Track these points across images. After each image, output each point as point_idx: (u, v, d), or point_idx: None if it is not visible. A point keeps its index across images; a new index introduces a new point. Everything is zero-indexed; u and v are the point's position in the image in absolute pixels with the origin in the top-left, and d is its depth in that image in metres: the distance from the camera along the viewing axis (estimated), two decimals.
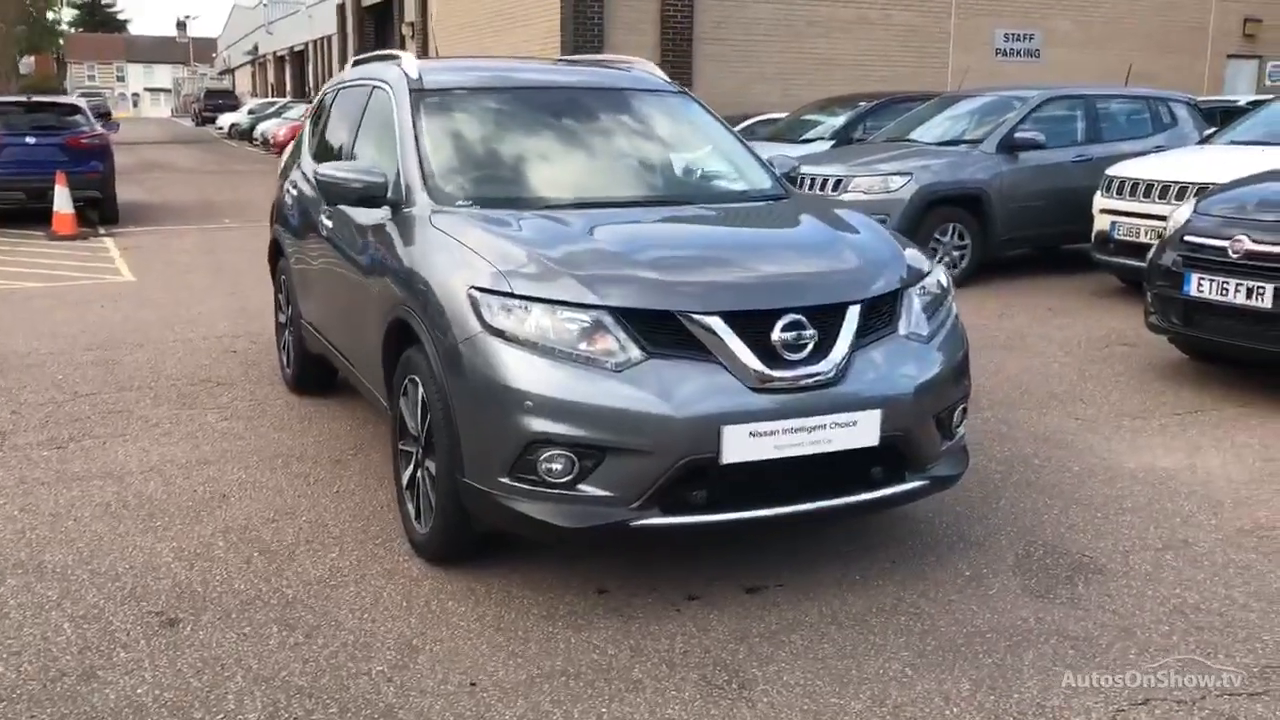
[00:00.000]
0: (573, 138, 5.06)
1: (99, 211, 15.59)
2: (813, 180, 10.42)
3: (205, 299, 9.63)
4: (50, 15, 44.47)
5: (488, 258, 3.85)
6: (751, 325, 3.64)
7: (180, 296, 9.94)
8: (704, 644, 3.59)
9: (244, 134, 38.53)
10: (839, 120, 13.33)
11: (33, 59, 68.41)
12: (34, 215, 14.68)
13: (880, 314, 3.94)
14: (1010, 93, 11.54)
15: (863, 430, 3.73)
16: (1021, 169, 10.44)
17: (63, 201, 14.23)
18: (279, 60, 58.28)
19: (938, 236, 10.17)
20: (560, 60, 7.48)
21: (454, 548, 4.06)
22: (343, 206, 4.92)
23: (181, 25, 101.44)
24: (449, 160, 4.73)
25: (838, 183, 10.23)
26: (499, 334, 3.64)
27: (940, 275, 4.33)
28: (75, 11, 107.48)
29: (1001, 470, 5.23)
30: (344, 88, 6.09)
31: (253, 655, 3.49)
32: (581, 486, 3.57)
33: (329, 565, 4.17)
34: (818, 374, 3.67)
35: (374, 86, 5.40)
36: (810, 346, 3.68)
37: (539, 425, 3.55)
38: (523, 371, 3.58)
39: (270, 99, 47.90)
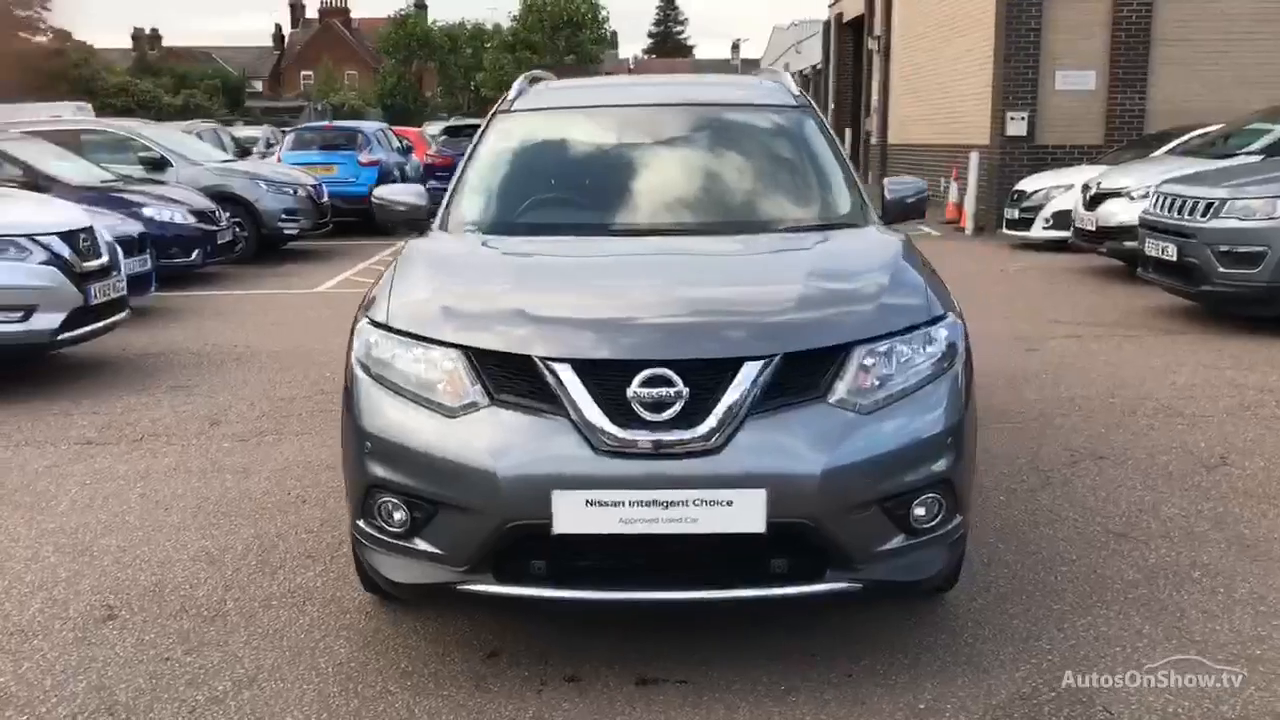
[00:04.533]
0: (627, 160, 4.69)
1: None
2: (1179, 203, 8.83)
3: None
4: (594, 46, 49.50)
5: (397, 289, 3.68)
6: (606, 377, 3.14)
7: None
8: None
9: None
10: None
11: None
12: None
13: (808, 372, 3.22)
14: None
15: (741, 513, 3.08)
16: None
17: None
18: (803, 78, 60.04)
19: None
20: (694, 76, 6.97)
21: (370, 585, 3.94)
22: None
23: (735, 47, 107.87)
24: (482, 184, 4.58)
25: (1208, 207, 8.56)
26: (366, 370, 3.47)
27: (946, 330, 3.46)
28: (649, 40, 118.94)
29: (1132, 579, 4.09)
30: None
31: (118, 663, 3.59)
32: (416, 540, 3.30)
33: (294, 584, 4.20)
34: (682, 441, 3.09)
35: None
36: (679, 407, 3.11)
37: (378, 470, 3.33)
38: (368, 411, 3.38)
39: None
